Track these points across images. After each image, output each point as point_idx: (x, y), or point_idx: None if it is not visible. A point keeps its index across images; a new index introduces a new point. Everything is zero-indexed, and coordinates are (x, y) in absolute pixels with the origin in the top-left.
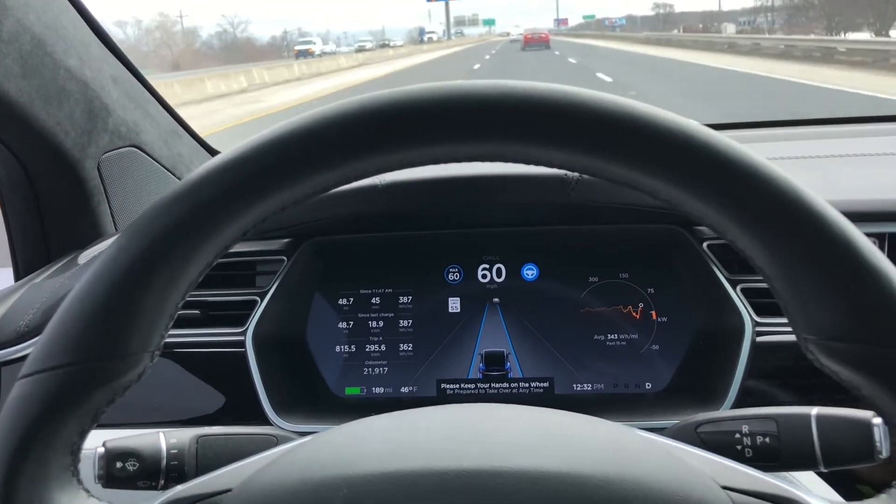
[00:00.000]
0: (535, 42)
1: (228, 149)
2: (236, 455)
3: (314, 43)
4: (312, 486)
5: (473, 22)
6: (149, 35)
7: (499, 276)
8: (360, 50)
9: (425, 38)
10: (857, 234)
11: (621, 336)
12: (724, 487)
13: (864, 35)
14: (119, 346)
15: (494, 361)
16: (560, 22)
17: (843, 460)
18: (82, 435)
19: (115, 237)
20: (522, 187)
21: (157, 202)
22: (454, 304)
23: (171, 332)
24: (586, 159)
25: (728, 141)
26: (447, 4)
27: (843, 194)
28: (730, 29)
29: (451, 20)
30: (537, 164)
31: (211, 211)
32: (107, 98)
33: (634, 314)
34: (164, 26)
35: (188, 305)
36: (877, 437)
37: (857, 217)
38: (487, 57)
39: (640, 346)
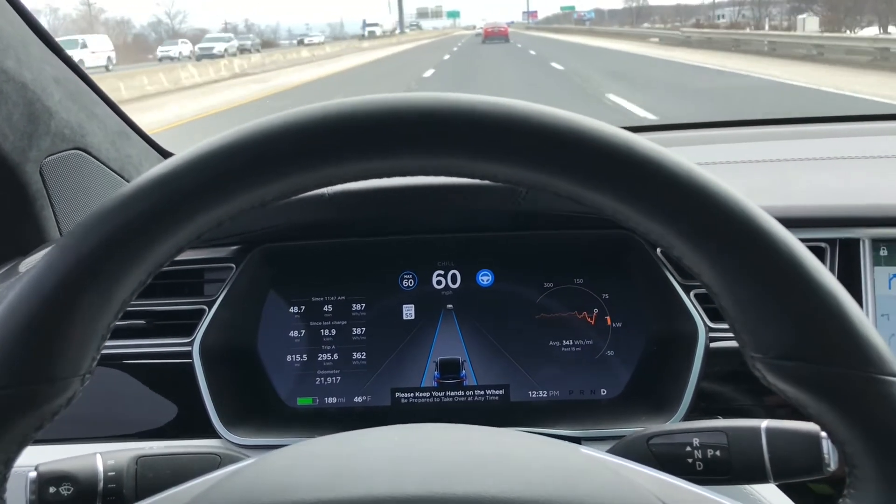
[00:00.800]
0: (494, 35)
1: (161, 162)
2: (178, 476)
3: (231, 40)
4: None
5: (437, 14)
6: (74, 25)
7: (454, 282)
8: (237, 52)
9: (366, 33)
10: (803, 253)
11: (577, 342)
12: None
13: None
14: (45, 370)
15: (449, 369)
16: (529, 15)
17: (793, 473)
18: (8, 463)
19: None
20: (473, 196)
21: (85, 219)
22: (408, 311)
23: (116, 342)
24: (530, 175)
25: (674, 157)
26: None
27: (795, 199)
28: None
29: (414, 12)
30: (482, 178)
31: (142, 228)
32: (48, 100)
33: (589, 320)
34: (88, 16)
35: (133, 315)
36: (825, 451)
37: (807, 223)
38: (447, 57)
39: (596, 351)
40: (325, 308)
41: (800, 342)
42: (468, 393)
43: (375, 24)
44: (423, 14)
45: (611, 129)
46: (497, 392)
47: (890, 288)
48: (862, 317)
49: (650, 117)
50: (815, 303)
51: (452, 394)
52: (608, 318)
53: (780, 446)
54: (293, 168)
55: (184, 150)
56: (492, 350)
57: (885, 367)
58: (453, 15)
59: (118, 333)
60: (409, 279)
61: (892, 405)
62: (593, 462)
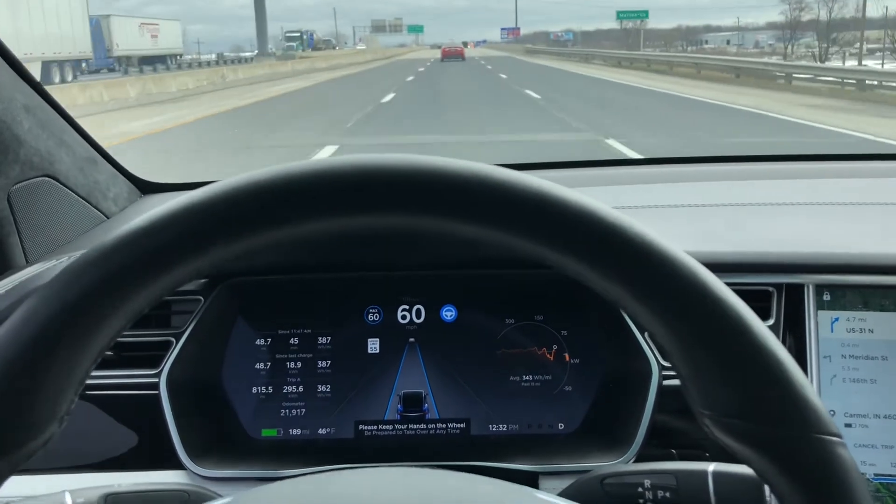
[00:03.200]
0: (451, 54)
1: (142, 216)
2: None
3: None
4: None
5: (396, 28)
6: None
7: (418, 316)
8: None
9: (283, 48)
10: (751, 319)
11: (536, 377)
12: None
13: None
14: (23, 417)
15: (412, 402)
16: (509, 32)
17: None
18: None
19: (25, 275)
20: (437, 240)
21: (65, 269)
22: (373, 345)
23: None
24: (492, 233)
25: (625, 219)
26: None
27: (744, 245)
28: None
29: (368, 24)
30: (449, 235)
31: (121, 282)
32: (18, 129)
33: (549, 356)
34: None
35: None
36: (766, 495)
37: (755, 268)
38: (388, 98)
39: (554, 387)
40: (291, 341)
41: (745, 403)
42: (430, 426)
43: (297, 36)
44: (379, 27)
45: (571, 195)
46: (458, 426)
47: (832, 331)
48: (803, 380)
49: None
50: (761, 367)
51: (415, 427)
52: (566, 354)
53: (726, 489)
54: (271, 224)
55: (166, 203)
56: (454, 384)
57: (823, 427)
58: (415, 30)
59: None
60: (374, 313)
61: (829, 463)
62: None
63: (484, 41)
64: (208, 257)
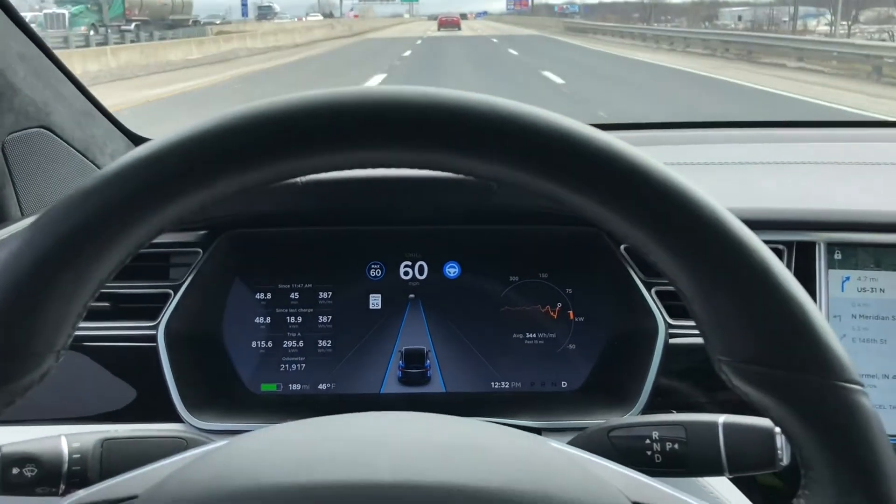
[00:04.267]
0: (448, 24)
1: (145, 144)
2: (144, 459)
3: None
4: (223, 495)
5: None
6: None
7: (421, 273)
8: None
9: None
10: (774, 263)
11: (539, 335)
12: (635, 503)
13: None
14: (21, 345)
15: (414, 359)
16: (517, 3)
17: (747, 467)
18: None
19: (20, 227)
20: (446, 190)
21: (65, 197)
22: (375, 301)
23: (80, 324)
24: (512, 173)
25: (658, 165)
26: None
27: (756, 202)
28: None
29: None
30: (462, 174)
31: (123, 210)
32: (12, 76)
33: (552, 314)
34: None
35: (98, 297)
36: (778, 446)
37: (766, 225)
38: None
39: (558, 345)
40: (292, 295)
41: (766, 348)
42: (431, 383)
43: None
44: None
45: (599, 135)
46: (459, 382)
47: (843, 290)
48: (826, 326)
49: None
50: (784, 312)
51: (416, 383)
52: (571, 312)
53: (736, 441)
54: (275, 156)
55: (166, 134)
56: (456, 341)
57: (845, 374)
58: None
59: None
60: (376, 269)
61: (849, 412)
62: (561, 455)
63: (484, 13)
64: (210, 189)
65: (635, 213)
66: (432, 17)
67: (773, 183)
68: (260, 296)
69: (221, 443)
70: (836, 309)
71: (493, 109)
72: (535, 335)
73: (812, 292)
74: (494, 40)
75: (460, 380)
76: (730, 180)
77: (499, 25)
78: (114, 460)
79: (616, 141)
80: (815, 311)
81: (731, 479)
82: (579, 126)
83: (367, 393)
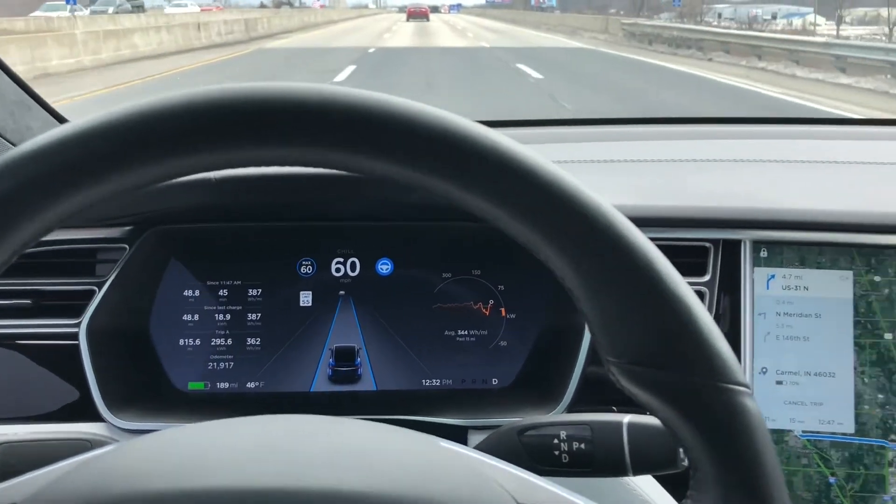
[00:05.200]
0: (417, 14)
1: (29, 140)
2: (43, 462)
3: None
4: (102, 501)
5: None
6: None
7: (353, 270)
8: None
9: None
10: (660, 263)
11: (471, 332)
12: None
13: None
14: None
15: (345, 357)
16: None
17: (650, 467)
18: None
19: None
20: (359, 187)
21: None
22: (306, 298)
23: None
24: (398, 171)
25: (543, 161)
26: None
27: (683, 200)
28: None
29: None
30: (348, 171)
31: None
32: None
33: (485, 310)
34: None
35: (19, 294)
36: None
37: (692, 223)
38: None
39: (490, 342)
40: (221, 292)
41: (651, 350)
42: (362, 381)
43: None
44: None
45: (479, 129)
46: (390, 380)
47: (768, 288)
48: (712, 328)
49: None
50: (669, 313)
51: (346, 382)
52: (503, 309)
53: (640, 441)
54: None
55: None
56: (388, 338)
57: (729, 376)
58: None
59: (2, 313)
60: (307, 266)
61: (733, 413)
62: (451, 457)
63: (458, 6)
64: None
65: (521, 212)
66: (402, 10)
67: (700, 181)
68: (188, 293)
69: (111, 446)
70: (761, 306)
71: (380, 105)
72: (466, 332)
73: (737, 290)
74: (494, 51)
75: (391, 377)
76: (654, 177)
77: (482, 22)
78: (11, 464)
79: (503, 138)
80: (701, 313)
81: (656, 477)
82: (466, 123)
83: (297, 391)
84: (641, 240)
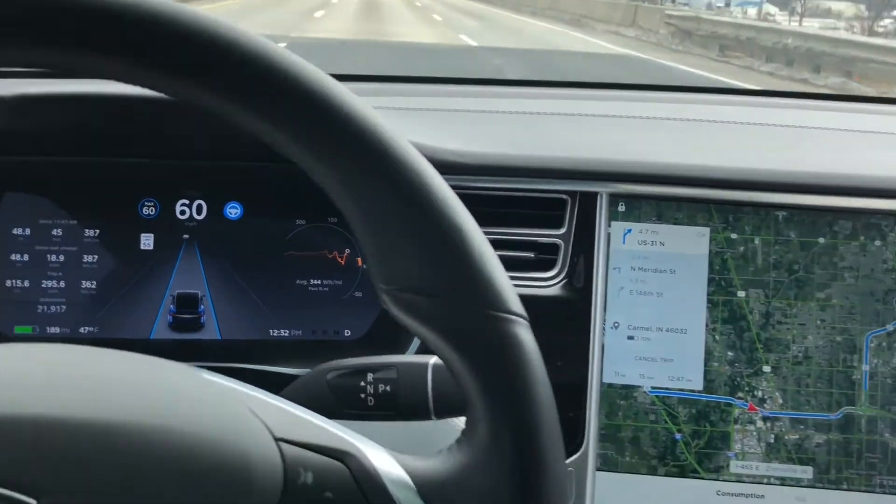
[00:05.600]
0: None
1: None
2: None
3: None
4: None
5: None
6: None
7: (199, 213)
8: None
9: None
10: (435, 184)
11: (325, 282)
12: (279, 439)
13: None
14: None
15: (187, 304)
16: None
17: (452, 410)
18: None
19: None
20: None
21: None
22: (147, 241)
23: None
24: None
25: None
26: None
27: (541, 150)
28: None
29: None
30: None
31: None
32: None
33: (340, 260)
34: None
35: None
36: None
37: (550, 174)
38: None
39: (344, 292)
40: (54, 232)
41: (421, 276)
42: (206, 329)
43: None
44: None
45: (253, 39)
46: (235, 329)
47: (624, 243)
48: (487, 254)
49: None
50: (438, 238)
51: (189, 329)
52: (359, 259)
53: (443, 383)
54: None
55: None
56: (234, 286)
57: (501, 304)
58: None
59: None
60: (149, 207)
61: (503, 343)
62: (209, 389)
63: None
64: None
65: (291, 128)
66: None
67: (561, 131)
68: (18, 231)
69: None
70: (616, 261)
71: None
72: (320, 282)
73: (591, 244)
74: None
75: (237, 327)
76: (514, 128)
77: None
78: None
79: (276, 49)
80: (475, 239)
81: None
82: (240, 32)
83: (136, 338)
84: (415, 161)
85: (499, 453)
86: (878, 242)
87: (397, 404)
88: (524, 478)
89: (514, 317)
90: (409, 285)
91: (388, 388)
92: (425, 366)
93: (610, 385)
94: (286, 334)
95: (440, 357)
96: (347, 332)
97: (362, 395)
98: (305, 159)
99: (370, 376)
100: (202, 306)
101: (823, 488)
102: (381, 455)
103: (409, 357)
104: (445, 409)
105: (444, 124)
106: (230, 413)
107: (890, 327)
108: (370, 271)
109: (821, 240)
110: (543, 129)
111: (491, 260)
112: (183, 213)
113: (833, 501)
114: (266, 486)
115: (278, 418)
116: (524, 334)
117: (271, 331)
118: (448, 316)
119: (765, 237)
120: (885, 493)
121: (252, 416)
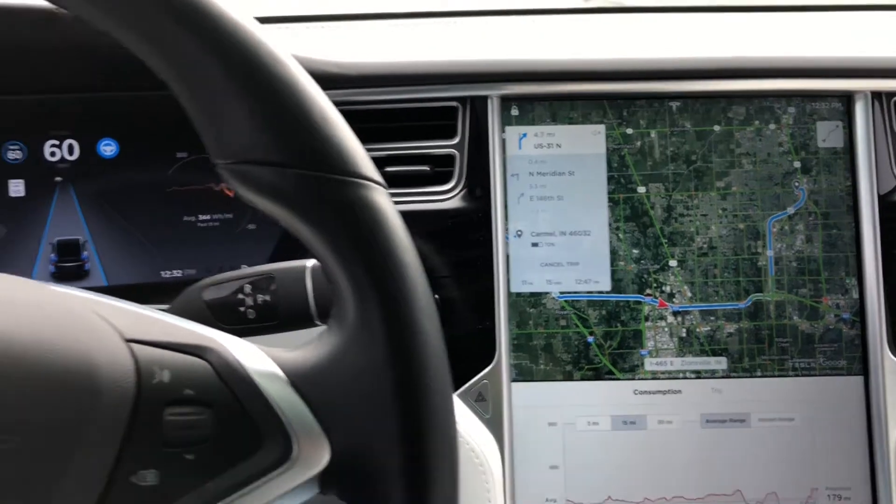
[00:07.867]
0: None
1: None
2: None
3: None
4: None
5: None
6: None
7: (70, 153)
8: None
9: None
10: (259, 39)
11: (214, 216)
12: (130, 340)
13: None
14: None
15: (68, 251)
16: None
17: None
18: None
19: None
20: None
21: None
22: (17, 188)
23: None
24: None
25: None
26: None
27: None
28: None
29: None
30: None
31: None
32: None
33: (228, 192)
34: None
35: None
36: None
37: (437, 79)
38: None
39: (236, 225)
40: None
41: (255, 143)
42: (91, 276)
43: None
44: None
45: None
46: (122, 273)
47: (520, 148)
48: (324, 111)
49: None
50: (267, 95)
51: (73, 278)
52: None
53: (323, 284)
54: None
55: None
56: (118, 228)
57: (351, 168)
58: None
59: None
60: (15, 150)
61: (354, 207)
62: (55, 297)
63: None
64: None
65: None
66: None
67: (449, 37)
68: None
69: None
70: (513, 167)
71: None
72: (209, 216)
73: (487, 151)
74: None
75: (124, 271)
76: (402, 34)
77: None
78: None
79: None
80: (314, 97)
81: None
82: None
83: None
84: (242, 22)
85: (368, 328)
86: (772, 126)
87: (279, 313)
88: (397, 348)
89: (365, 181)
90: (245, 155)
91: (267, 297)
92: (302, 269)
93: (518, 294)
94: (179, 274)
95: (294, 231)
96: (244, 267)
97: (241, 309)
98: (138, 46)
99: (248, 287)
100: (85, 252)
101: (738, 377)
102: (246, 347)
103: (286, 263)
104: (327, 312)
105: (323, 43)
106: (74, 318)
107: (790, 210)
108: (205, 144)
109: (716, 127)
110: (423, 32)
111: (334, 121)
112: (53, 154)
113: (749, 388)
114: (116, 389)
115: (128, 321)
116: (380, 199)
117: (162, 272)
118: (293, 186)
119: (660, 129)
120: (798, 375)
121: (99, 319)
